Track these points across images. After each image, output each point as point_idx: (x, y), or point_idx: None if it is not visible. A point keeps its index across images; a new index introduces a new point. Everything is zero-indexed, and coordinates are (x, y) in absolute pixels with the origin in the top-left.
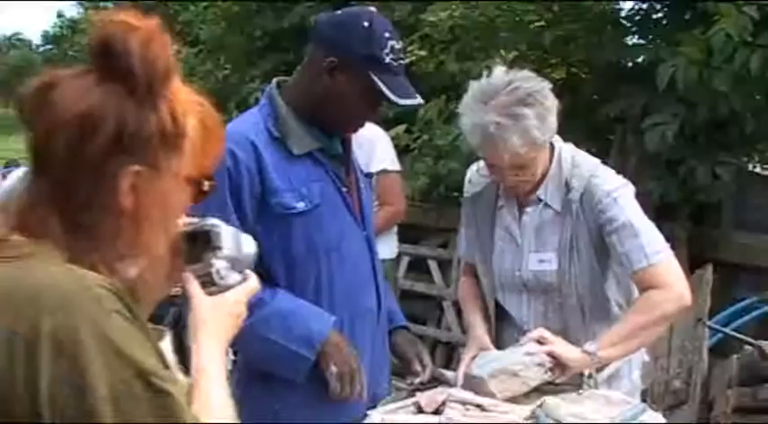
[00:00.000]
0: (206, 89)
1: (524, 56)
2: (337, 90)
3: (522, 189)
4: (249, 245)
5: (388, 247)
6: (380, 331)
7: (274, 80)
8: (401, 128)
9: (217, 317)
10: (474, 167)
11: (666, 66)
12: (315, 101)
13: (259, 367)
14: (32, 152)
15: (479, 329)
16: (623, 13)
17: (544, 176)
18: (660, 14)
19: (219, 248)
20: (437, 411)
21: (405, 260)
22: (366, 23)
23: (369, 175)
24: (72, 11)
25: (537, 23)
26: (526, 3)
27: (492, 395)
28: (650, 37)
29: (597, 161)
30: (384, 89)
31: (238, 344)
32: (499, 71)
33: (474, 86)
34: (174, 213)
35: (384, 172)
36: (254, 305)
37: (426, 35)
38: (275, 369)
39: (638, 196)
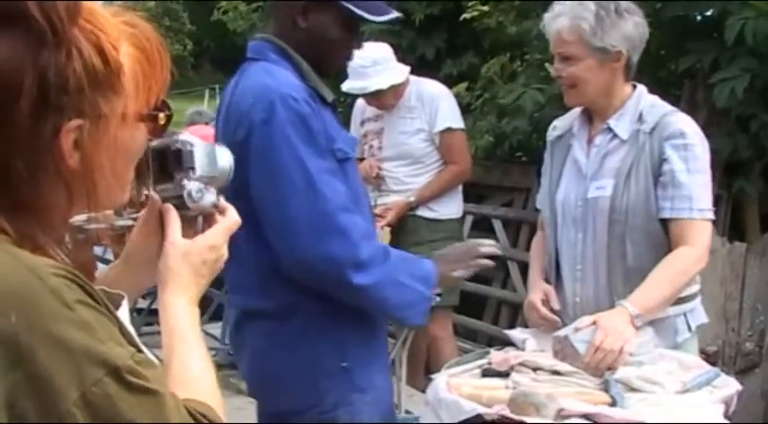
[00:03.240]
0: None
1: None
2: (319, 29)
3: (567, 95)
4: (225, 159)
5: (453, 206)
6: None
7: (258, 37)
8: (462, 85)
9: (189, 269)
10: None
11: (735, 18)
12: (309, 48)
13: (389, 315)
14: None
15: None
16: None
17: (618, 106)
18: None
19: (192, 168)
20: (506, 374)
21: (469, 219)
22: None
23: None
24: None
25: None
26: None
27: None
28: None
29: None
30: (358, 11)
31: (375, 291)
32: None
33: None
34: (131, 156)
35: (449, 130)
36: (384, 253)
37: None
38: (404, 315)
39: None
